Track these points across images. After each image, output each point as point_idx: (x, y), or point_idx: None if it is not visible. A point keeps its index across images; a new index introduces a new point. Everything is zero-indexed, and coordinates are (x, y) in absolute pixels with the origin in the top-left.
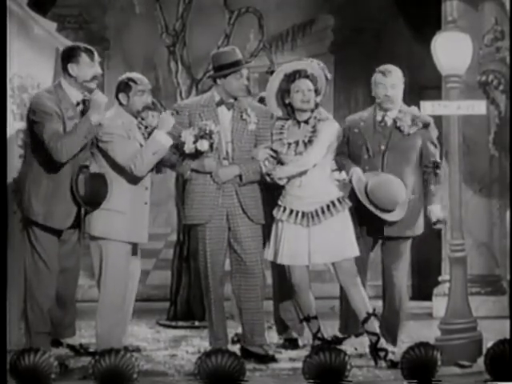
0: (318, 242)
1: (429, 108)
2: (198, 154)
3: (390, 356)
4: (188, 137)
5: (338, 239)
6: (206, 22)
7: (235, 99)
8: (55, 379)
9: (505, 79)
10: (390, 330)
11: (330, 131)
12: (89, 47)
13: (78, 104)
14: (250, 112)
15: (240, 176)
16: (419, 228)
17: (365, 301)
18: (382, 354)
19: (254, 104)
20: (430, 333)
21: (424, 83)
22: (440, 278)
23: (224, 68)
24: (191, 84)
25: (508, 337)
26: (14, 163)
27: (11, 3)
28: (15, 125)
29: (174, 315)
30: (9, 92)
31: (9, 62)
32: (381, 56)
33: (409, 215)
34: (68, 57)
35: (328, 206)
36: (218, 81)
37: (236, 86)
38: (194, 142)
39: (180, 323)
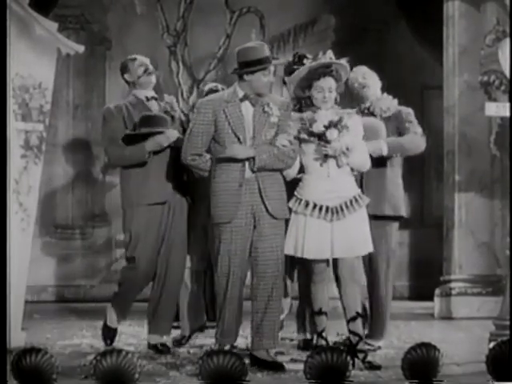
0: (341, 237)
1: (493, 109)
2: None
3: (369, 358)
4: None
5: (358, 235)
6: (207, 23)
7: (258, 95)
8: (56, 379)
9: (506, 79)
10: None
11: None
12: (132, 57)
13: (147, 99)
14: (272, 105)
15: (254, 158)
16: (385, 208)
17: (357, 300)
18: (361, 355)
19: (274, 97)
20: (431, 333)
21: (426, 83)
22: (442, 278)
23: (254, 64)
24: (192, 84)
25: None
26: (17, 163)
27: (13, 3)
28: (17, 125)
29: (177, 316)
30: (10, 92)
31: (9, 62)
32: (382, 56)
33: (377, 195)
34: (121, 71)
35: (351, 202)
36: (246, 77)
37: (264, 83)
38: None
39: None
